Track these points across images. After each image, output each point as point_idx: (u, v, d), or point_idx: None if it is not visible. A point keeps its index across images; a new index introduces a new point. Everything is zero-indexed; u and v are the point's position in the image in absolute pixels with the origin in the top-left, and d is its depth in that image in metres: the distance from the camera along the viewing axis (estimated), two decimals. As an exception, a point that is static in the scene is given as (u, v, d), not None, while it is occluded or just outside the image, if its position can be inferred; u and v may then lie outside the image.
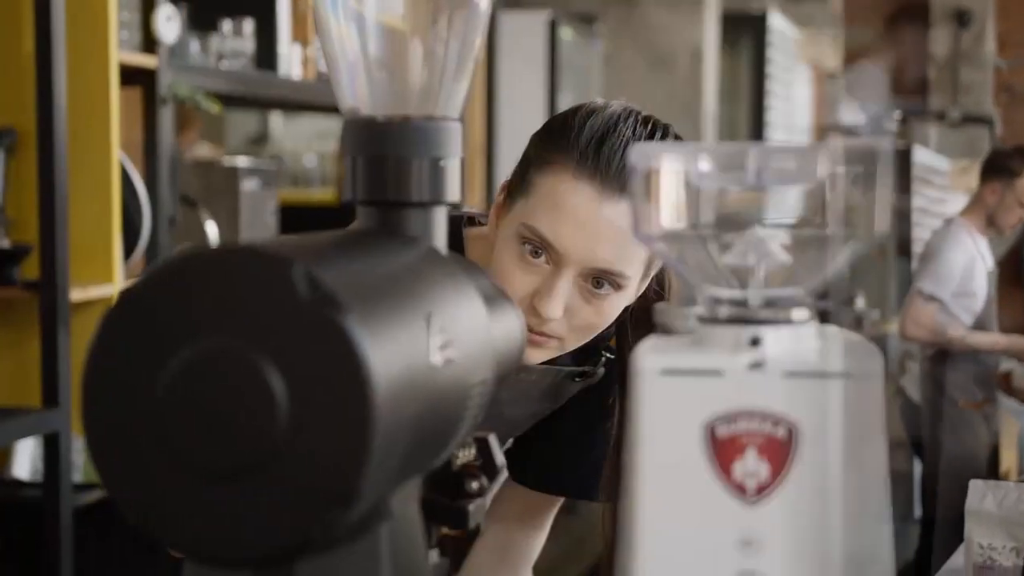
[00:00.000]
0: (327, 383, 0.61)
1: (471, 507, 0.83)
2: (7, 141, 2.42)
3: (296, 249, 0.65)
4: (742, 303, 0.72)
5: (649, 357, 0.70)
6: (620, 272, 1.23)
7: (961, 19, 9.48)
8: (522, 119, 5.06)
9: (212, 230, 2.90)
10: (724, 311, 0.72)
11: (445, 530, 0.85)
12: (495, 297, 0.87)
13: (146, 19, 2.66)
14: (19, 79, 2.44)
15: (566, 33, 5.05)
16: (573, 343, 1.28)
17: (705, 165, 0.72)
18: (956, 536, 4.68)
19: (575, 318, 1.26)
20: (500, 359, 0.82)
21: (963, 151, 8.48)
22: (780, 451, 0.68)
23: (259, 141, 5.39)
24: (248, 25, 3.04)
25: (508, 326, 0.86)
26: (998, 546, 1.89)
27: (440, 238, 0.83)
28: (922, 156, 7.23)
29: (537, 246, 1.23)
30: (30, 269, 2.41)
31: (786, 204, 0.75)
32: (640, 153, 0.72)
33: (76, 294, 2.42)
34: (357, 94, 0.83)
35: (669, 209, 0.73)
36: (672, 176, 0.72)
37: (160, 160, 2.69)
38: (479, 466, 0.88)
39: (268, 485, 0.61)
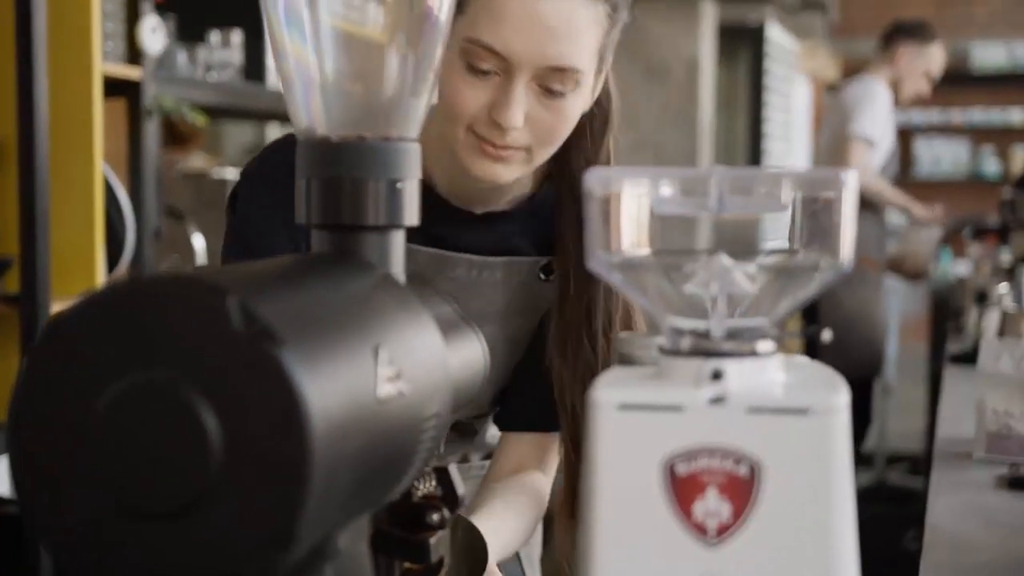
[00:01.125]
0: (262, 419, 0.58)
1: (432, 540, 0.80)
2: (-12, 152, 2.40)
3: (234, 279, 0.62)
4: (704, 334, 0.69)
5: (606, 391, 0.67)
6: (573, 67, 1.20)
7: None
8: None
9: (199, 243, 2.87)
10: (686, 343, 0.69)
11: (407, 564, 0.82)
12: (455, 324, 0.84)
13: (131, 30, 2.63)
14: (1, 89, 2.41)
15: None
16: (541, 154, 1.25)
17: (666, 191, 0.69)
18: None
19: (536, 125, 1.23)
20: (458, 388, 0.79)
21: (799, 35, 8.48)
22: (742, 490, 0.65)
23: (255, 151, 5.36)
24: (236, 36, 3.02)
25: (467, 354, 0.83)
26: (1016, 412, 1.74)
27: (397, 263, 0.80)
28: (775, 34, 7.23)
29: (483, 59, 1.20)
30: (11, 282, 2.38)
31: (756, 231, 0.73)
32: (598, 178, 0.69)
33: (57, 308, 2.39)
34: (312, 113, 0.81)
35: (628, 235, 0.70)
36: (631, 201, 0.70)
37: (145, 172, 2.66)
38: (440, 497, 0.85)
39: (201, 524, 0.59)
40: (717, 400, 0.66)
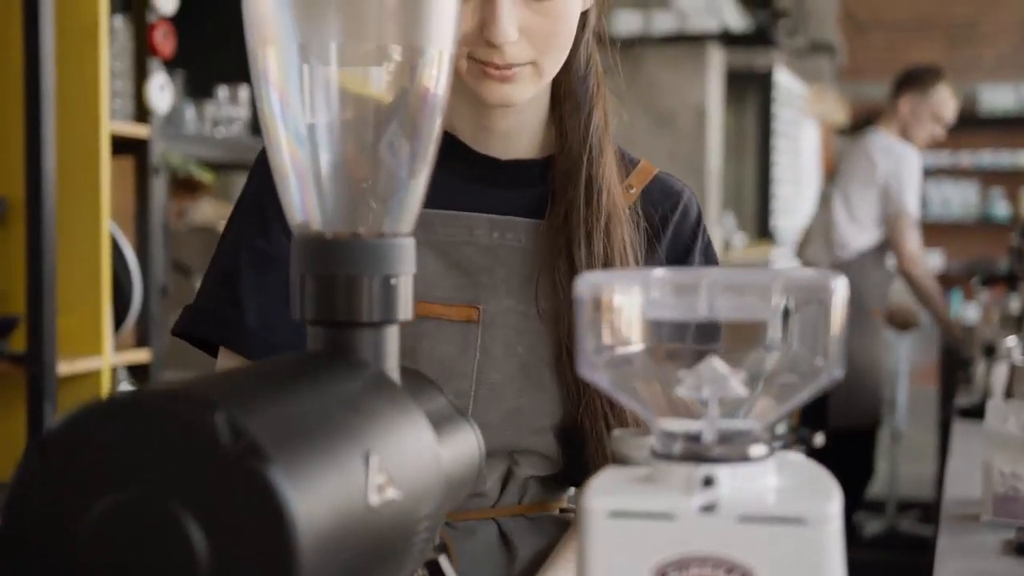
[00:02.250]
0: (250, 537, 0.58)
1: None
2: (-3, 211, 2.42)
3: (222, 390, 0.62)
4: (696, 437, 0.69)
5: (598, 498, 0.67)
6: None
7: None
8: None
9: (205, 298, 2.87)
10: (677, 447, 0.69)
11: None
12: (448, 417, 0.84)
13: (139, 88, 2.65)
14: (9, 148, 2.43)
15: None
16: (549, 65, 1.18)
17: (655, 295, 0.69)
18: (848, 449, 4.69)
19: (533, 34, 1.15)
20: (451, 485, 0.79)
21: (807, 78, 8.50)
22: (734, 599, 0.65)
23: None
24: (244, 92, 3.04)
25: (461, 448, 0.83)
26: (1023, 473, 1.73)
27: (391, 358, 0.80)
28: (783, 79, 7.23)
29: None
30: (17, 341, 2.38)
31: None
32: (587, 283, 0.69)
33: (64, 367, 2.39)
34: (306, 209, 0.81)
35: (618, 339, 0.70)
36: (620, 306, 0.69)
37: (152, 229, 2.67)
38: (433, 591, 0.85)
39: (189, 642, 0.58)
40: (708, 508, 0.66)
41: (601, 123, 1.25)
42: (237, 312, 1.21)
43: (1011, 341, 3.10)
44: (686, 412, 0.70)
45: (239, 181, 3.43)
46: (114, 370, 2.62)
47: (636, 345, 0.71)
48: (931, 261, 10.27)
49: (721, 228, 6.11)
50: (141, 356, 2.69)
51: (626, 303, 0.70)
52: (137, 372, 2.74)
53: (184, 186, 3.48)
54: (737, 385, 0.69)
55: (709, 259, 1.30)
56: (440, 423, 0.80)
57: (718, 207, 5.89)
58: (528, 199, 1.25)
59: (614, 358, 0.71)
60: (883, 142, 4.44)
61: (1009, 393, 2.82)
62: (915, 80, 4.43)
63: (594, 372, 0.70)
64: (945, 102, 4.45)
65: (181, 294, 2.87)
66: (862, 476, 4.44)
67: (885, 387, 4.50)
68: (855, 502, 4.45)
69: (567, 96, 1.25)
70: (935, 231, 10.32)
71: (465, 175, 1.25)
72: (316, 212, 0.80)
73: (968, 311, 8.86)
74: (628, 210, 1.25)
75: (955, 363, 4.64)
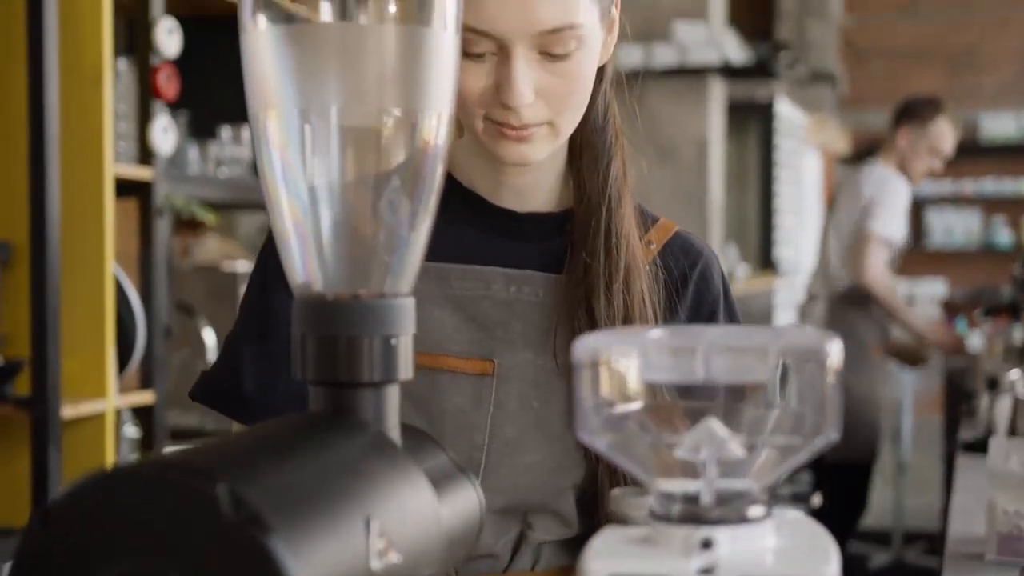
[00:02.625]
0: (252, 607, 0.58)
1: None
2: (1, 255, 2.42)
3: (223, 459, 0.63)
4: (694, 499, 0.69)
5: (597, 560, 0.67)
6: (570, 23, 1.12)
7: None
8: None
9: (210, 338, 2.89)
10: (676, 509, 0.69)
11: None
12: (449, 474, 0.84)
13: (143, 130, 2.67)
14: (13, 192, 2.44)
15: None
16: (566, 124, 1.17)
17: (653, 357, 0.70)
18: (843, 482, 4.68)
19: (549, 95, 1.14)
20: (452, 544, 0.80)
21: (808, 108, 8.52)
22: (734, 662, 0.65)
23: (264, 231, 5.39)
24: (246, 131, 3.05)
25: (462, 506, 0.83)
26: None
27: (392, 417, 0.81)
28: (784, 109, 7.24)
29: (474, 43, 1.12)
30: (21, 385, 2.39)
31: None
32: (585, 347, 0.70)
33: (68, 410, 2.39)
34: (308, 270, 0.81)
35: (615, 401, 0.71)
36: (618, 369, 0.70)
37: (156, 271, 2.68)
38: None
39: None
40: (707, 571, 0.66)
41: (620, 174, 1.24)
42: (236, 379, 1.23)
43: (1014, 374, 3.10)
44: (684, 472, 0.71)
45: (243, 220, 3.45)
46: (118, 412, 2.63)
47: (634, 407, 0.71)
48: (934, 289, 10.27)
49: (724, 259, 6.12)
50: (145, 398, 2.70)
51: (624, 366, 0.70)
52: (141, 413, 2.74)
53: (188, 223, 3.49)
54: (735, 446, 0.70)
55: (734, 323, 1.29)
56: (440, 481, 0.81)
57: (721, 238, 5.90)
58: (546, 252, 1.24)
59: (612, 420, 0.71)
60: (875, 173, 4.46)
61: (1013, 427, 2.82)
62: (913, 113, 4.43)
63: (592, 434, 0.71)
64: (943, 135, 4.45)
65: (185, 334, 2.88)
66: (856, 509, 4.43)
67: (883, 421, 4.48)
68: (848, 534, 4.43)
69: (585, 148, 1.24)
70: (938, 259, 10.32)
71: (483, 229, 1.25)
72: (317, 273, 0.81)
73: (972, 339, 8.86)
74: (648, 264, 1.24)
75: (959, 394, 4.63)
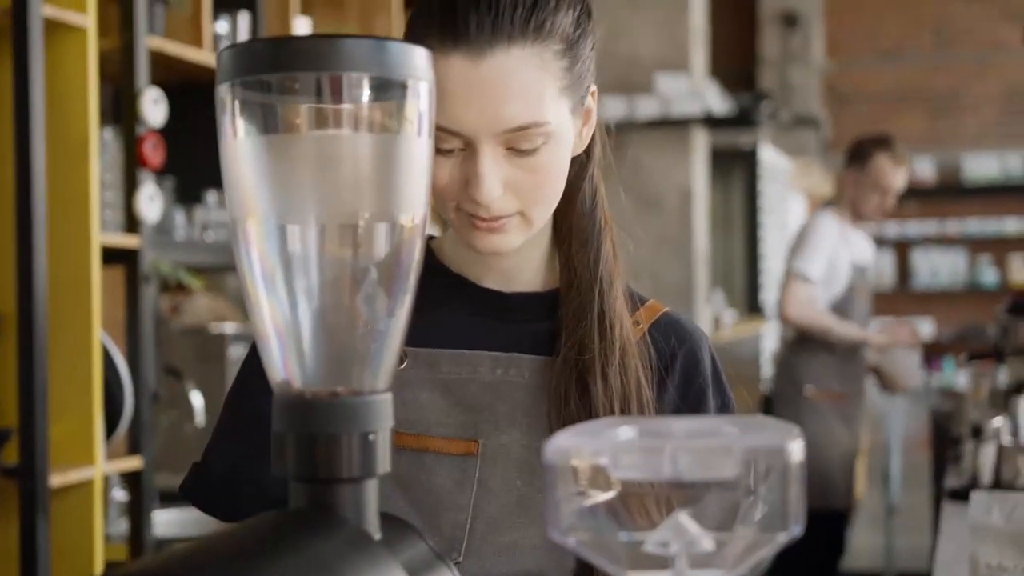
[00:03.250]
0: None
1: None
2: (-11, 325, 2.44)
3: (201, 564, 0.64)
4: (665, 593, 0.72)
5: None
6: (535, 121, 1.13)
7: (789, 20, 9.60)
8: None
9: (198, 401, 2.90)
10: (647, 603, 0.71)
11: None
12: (428, 563, 0.86)
13: (129, 198, 2.69)
14: (0, 262, 2.46)
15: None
16: (537, 215, 1.18)
17: (623, 457, 0.72)
18: (817, 530, 4.65)
19: (519, 188, 1.15)
20: (432, 635, 0.82)
21: (793, 152, 8.57)
22: None
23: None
24: (233, 195, 3.08)
25: (442, 596, 0.85)
26: (1009, 565, 1.72)
27: (371, 511, 0.83)
28: (768, 155, 7.29)
29: (442, 139, 1.13)
30: (9, 454, 2.40)
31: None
32: (555, 447, 0.72)
33: (56, 479, 2.40)
34: (287, 369, 0.84)
35: (585, 499, 0.73)
36: (589, 468, 0.72)
37: (143, 337, 2.70)
38: None
39: None
40: (678, 665, 0.68)
41: (610, 257, 1.25)
42: (208, 477, 1.27)
43: (997, 422, 3.11)
44: (655, 565, 0.73)
45: (230, 281, 3.47)
46: (106, 478, 2.64)
47: (604, 503, 0.74)
48: (920, 329, 10.32)
49: (710, 306, 6.15)
50: (133, 463, 2.71)
51: (594, 465, 0.72)
52: (130, 479, 2.75)
53: (178, 283, 3.51)
54: (704, 539, 0.72)
55: (725, 406, 1.30)
56: (419, 570, 0.83)
57: (706, 286, 5.93)
58: (533, 334, 1.25)
59: (583, 516, 0.73)
60: (816, 217, 4.50)
61: (997, 475, 2.83)
62: (854, 154, 4.48)
63: (564, 532, 0.73)
64: (884, 171, 4.41)
65: (173, 397, 2.90)
66: (833, 554, 4.44)
67: (847, 467, 4.45)
68: None
69: (574, 232, 1.25)
70: (924, 299, 10.37)
71: (472, 311, 1.27)
72: (296, 372, 0.83)
73: (959, 379, 8.88)
74: (638, 343, 1.25)
75: (945, 437, 4.65)
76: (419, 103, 0.82)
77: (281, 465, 0.82)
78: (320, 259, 0.82)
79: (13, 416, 2.41)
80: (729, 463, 0.71)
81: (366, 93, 0.80)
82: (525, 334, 1.26)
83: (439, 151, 1.15)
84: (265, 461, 0.99)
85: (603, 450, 0.72)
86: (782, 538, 0.72)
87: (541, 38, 1.13)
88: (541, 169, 1.15)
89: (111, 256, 2.65)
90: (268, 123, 0.81)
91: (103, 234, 2.57)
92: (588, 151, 1.26)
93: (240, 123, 0.81)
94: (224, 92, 0.81)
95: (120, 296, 2.70)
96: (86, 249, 2.49)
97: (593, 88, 1.23)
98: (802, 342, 4.39)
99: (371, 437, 0.82)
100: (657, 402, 1.26)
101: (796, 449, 0.70)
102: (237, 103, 0.81)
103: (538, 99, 1.13)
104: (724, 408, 1.30)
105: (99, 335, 2.52)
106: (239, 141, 0.81)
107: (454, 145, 1.14)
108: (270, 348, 0.84)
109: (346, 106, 0.80)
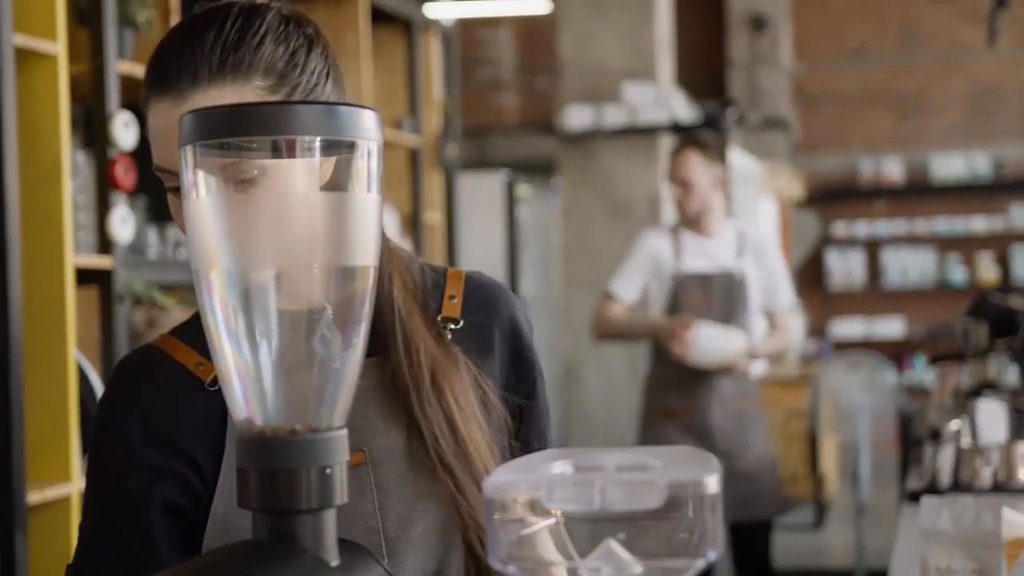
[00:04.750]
0: None
1: None
2: (-35, 346, 2.49)
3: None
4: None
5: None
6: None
7: (757, 23, 9.69)
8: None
9: (172, 416, 2.94)
10: (579, 627, 0.78)
11: None
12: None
13: (102, 220, 2.74)
14: (-24, 285, 2.51)
15: (523, 190, 5.17)
16: None
17: (555, 491, 0.79)
18: (741, 540, 4.45)
19: None
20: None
21: (762, 154, 8.65)
22: None
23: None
24: (204, 213, 3.14)
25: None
26: (958, 568, 1.77)
27: (329, 539, 0.89)
28: (737, 159, 7.37)
29: (169, 180, 1.18)
30: (-13, 473, 2.45)
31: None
32: (492, 484, 0.79)
33: (34, 496, 2.45)
34: (249, 407, 0.90)
35: (521, 529, 0.79)
36: (523, 501, 0.79)
37: (117, 356, 2.75)
38: None
39: None
40: None
41: (400, 288, 1.28)
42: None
43: (955, 424, 3.18)
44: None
45: (202, 296, 3.52)
46: (82, 495, 2.68)
47: (540, 534, 0.80)
48: (891, 328, 10.43)
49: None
50: (110, 478, 2.76)
51: (528, 499, 0.79)
52: (106, 494, 2.80)
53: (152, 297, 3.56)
54: (633, 565, 0.79)
55: (532, 363, 1.35)
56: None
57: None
58: None
59: (520, 545, 0.80)
60: (639, 236, 4.39)
61: (956, 477, 2.90)
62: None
63: (504, 562, 0.79)
64: (680, 164, 4.19)
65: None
66: (763, 565, 4.39)
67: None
68: None
69: None
70: (894, 298, 10.49)
71: None
72: (257, 410, 0.90)
73: (928, 377, 8.99)
74: (457, 323, 1.30)
75: (910, 439, 4.72)
76: (368, 161, 0.88)
77: (244, 498, 0.88)
78: (278, 305, 0.88)
79: (-10, 436, 2.46)
80: (654, 495, 0.78)
81: (318, 154, 0.87)
82: None
83: (171, 191, 1.20)
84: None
85: (538, 484, 0.79)
86: (701, 563, 0.78)
87: (241, 75, 1.18)
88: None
89: (85, 276, 2.70)
90: (227, 183, 0.87)
91: (77, 255, 2.63)
92: None
93: (201, 182, 0.87)
94: (186, 154, 0.87)
95: (94, 316, 2.75)
96: (60, 270, 2.54)
97: None
98: (650, 363, 4.31)
99: (328, 471, 0.88)
100: (484, 364, 1.30)
101: (713, 481, 0.77)
102: (198, 164, 0.87)
103: None
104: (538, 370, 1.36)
105: (74, 354, 2.58)
106: (200, 199, 0.87)
107: (178, 183, 1.16)
108: (232, 389, 0.90)
109: (299, 166, 0.86)
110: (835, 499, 7.45)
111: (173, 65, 1.18)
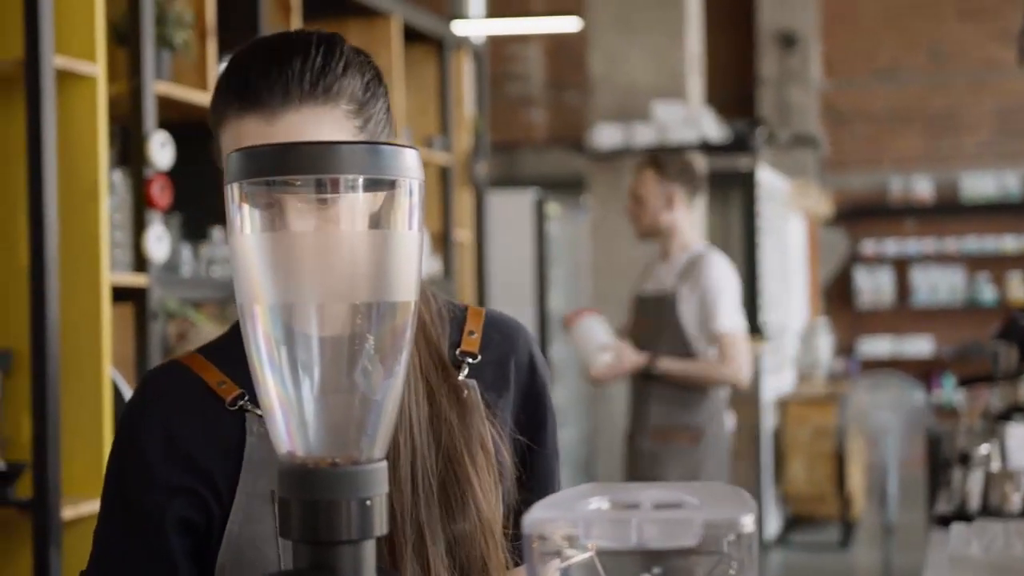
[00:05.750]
0: None
1: None
2: (3, 363, 2.52)
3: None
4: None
5: None
6: None
7: (787, 41, 9.65)
8: (514, 295, 5.20)
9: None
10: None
11: None
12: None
13: (138, 238, 2.78)
14: (13, 302, 2.54)
15: (553, 209, 5.18)
16: None
17: (593, 529, 0.80)
18: None
19: None
20: None
21: (792, 172, 8.62)
22: None
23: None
24: (238, 231, 3.17)
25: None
26: None
27: (368, 570, 0.91)
28: (766, 176, 7.36)
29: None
30: (23, 488, 2.48)
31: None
32: (532, 520, 0.80)
33: (68, 511, 2.48)
34: (291, 440, 0.92)
35: (561, 562, 0.81)
36: (563, 537, 0.80)
37: (151, 372, 2.78)
38: None
39: None
40: None
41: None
42: None
43: (985, 448, 3.17)
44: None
45: (234, 311, 3.54)
46: (117, 510, 2.71)
47: (577, 568, 0.82)
48: (920, 346, 10.38)
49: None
50: (142, 494, 2.79)
51: (567, 535, 0.81)
52: (139, 509, 2.83)
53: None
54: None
55: (546, 405, 1.37)
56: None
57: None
58: None
59: (559, 578, 0.82)
60: None
61: (986, 502, 2.90)
62: None
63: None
64: (640, 182, 4.19)
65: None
66: None
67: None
68: None
69: None
70: (923, 317, 10.44)
71: None
72: (299, 443, 0.91)
73: (958, 396, 8.94)
74: (475, 358, 1.31)
75: (939, 458, 4.70)
76: (410, 199, 0.90)
77: (285, 529, 0.90)
78: (320, 339, 0.90)
79: (27, 451, 2.49)
80: (690, 533, 0.79)
81: (361, 192, 0.89)
82: None
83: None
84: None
85: (575, 521, 0.80)
86: (735, 600, 0.80)
87: (331, 99, 1.22)
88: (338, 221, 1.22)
89: (120, 294, 2.73)
90: (272, 220, 0.89)
91: (113, 273, 2.66)
92: None
93: (247, 219, 0.89)
94: (232, 191, 0.89)
95: (129, 333, 2.78)
96: (96, 288, 2.58)
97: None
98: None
99: (368, 502, 0.90)
100: (499, 401, 1.32)
101: (749, 521, 0.78)
102: (244, 201, 0.89)
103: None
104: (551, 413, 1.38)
105: (109, 371, 2.61)
106: (246, 236, 0.89)
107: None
108: (275, 421, 0.92)
109: (343, 204, 0.88)
110: (862, 519, 7.43)
111: (263, 84, 1.20)
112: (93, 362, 2.57)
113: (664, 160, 4.23)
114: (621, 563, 0.82)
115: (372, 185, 0.89)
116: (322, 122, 1.20)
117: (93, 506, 2.58)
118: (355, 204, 0.88)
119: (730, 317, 4.05)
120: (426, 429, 1.27)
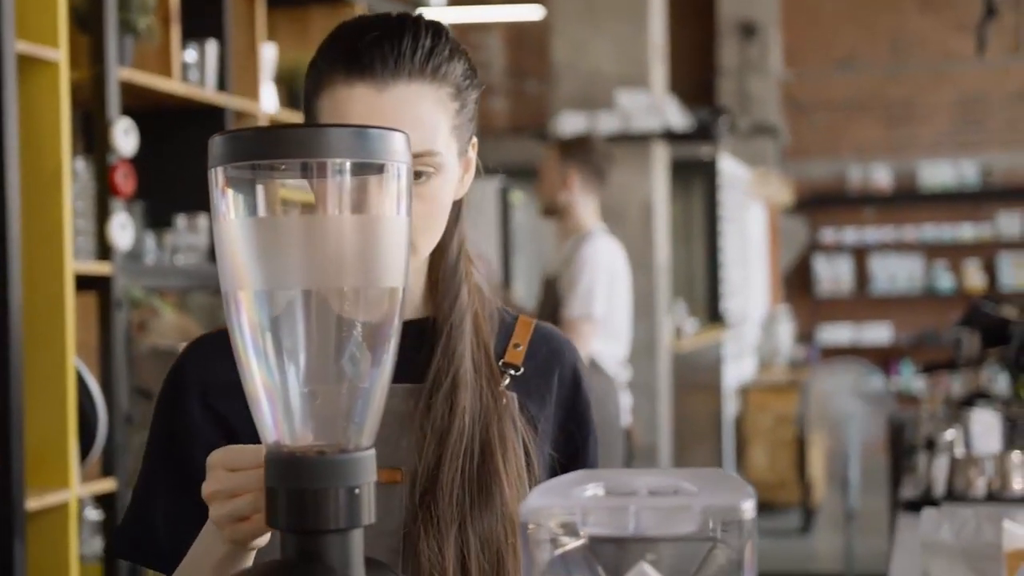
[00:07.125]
0: None
1: None
2: (-36, 353, 2.48)
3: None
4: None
5: None
6: (430, 150, 1.22)
7: (747, 30, 9.70)
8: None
9: (169, 422, 2.93)
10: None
11: None
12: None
13: (101, 226, 2.74)
14: (-24, 291, 2.50)
15: (517, 197, 5.17)
16: (424, 244, 1.25)
17: (590, 516, 0.79)
18: None
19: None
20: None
21: (752, 160, 8.68)
22: None
23: (219, 308, 5.44)
24: (202, 220, 3.14)
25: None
26: None
27: (356, 558, 0.89)
28: (727, 165, 7.41)
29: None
30: (-15, 480, 2.45)
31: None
32: (528, 507, 0.79)
33: (32, 503, 2.45)
34: (278, 429, 0.90)
35: (556, 551, 0.80)
36: (559, 525, 0.79)
37: (115, 361, 2.75)
38: None
39: None
40: None
41: (464, 303, 1.31)
42: (153, 535, 1.27)
43: (950, 434, 3.19)
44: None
45: (199, 299, 3.51)
46: (80, 500, 2.68)
47: (574, 555, 0.81)
48: (879, 334, 10.47)
49: (672, 316, 6.23)
50: (107, 485, 2.76)
51: (563, 522, 0.80)
52: (104, 500, 2.80)
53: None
54: (663, 587, 0.79)
55: (588, 421, 1.38)
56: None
57: (668, 297, 6.01)
58: (413, 363, 1.28)
59: (554, 566, 0.80)
60: None
61: (951, 487, 2.91)
62: None
63: (537, 583, 0.80)
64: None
65: (145, 419, 2.94)
66: None
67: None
68: None
69: (441, 279, 1.32)
70: (882, 304, 10.51)
71: None
72: (286, 431, 0.90)
73: (916, 383, 9.02)
74: (519, 370, 1.32)
75: (902, 444, 4.72)
76: (398, 183, 0.89)
77: (273, 518, 0.89)
78: (306, 326, 0.89)
79: (-11, 443, 2.45)
80: (688, 519, 0.78)
81: (348, 176, 0.87)
82: (404, 361, 1.31)
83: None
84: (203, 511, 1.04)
85: (572, 509, 0.79)
86: (735, 584, 0.79)
87: (437, 79, 1.24)
88: (429, 199, 1.23)
89: (84, 283, 2.70)
90: (257, 204, 0.87)
91: (76, 262, 2.62)
92: (458, 205, 1.33)
93: (231, 204, 0.88)
94: (216, 176, 0.87)
95: (92, 321, 2.75)
96: (60, 277, 2.54)
97: (475, 140, 1.32)
98: None
99: (356, 491, 0.89)
100: (539, 414, 1.33)
101: (749, 507, 0.78)
102: (228, 186, 0.87)
103: (433, 130, 1.22)
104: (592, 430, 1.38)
105: (73, 360, 2.57)
106: (230, 221, 0.88)
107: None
108: (262, 411, 0.90)
109: (330, 188, 0.87)
110: (823, 504, 7.47)
111: (376, 54, 1.21)
112: (57, 351, 2.53)
113: (567, 142, 4.29)
114: (617, 550, 0.81)
115: (359, 169, 0.88)
116: (427, 99, 1.23)
117: (58, 497, 2.55)
118: (342, 188, 0.86)
119: (580, 304, 3.96)
120: (477, 423, 1.27)
